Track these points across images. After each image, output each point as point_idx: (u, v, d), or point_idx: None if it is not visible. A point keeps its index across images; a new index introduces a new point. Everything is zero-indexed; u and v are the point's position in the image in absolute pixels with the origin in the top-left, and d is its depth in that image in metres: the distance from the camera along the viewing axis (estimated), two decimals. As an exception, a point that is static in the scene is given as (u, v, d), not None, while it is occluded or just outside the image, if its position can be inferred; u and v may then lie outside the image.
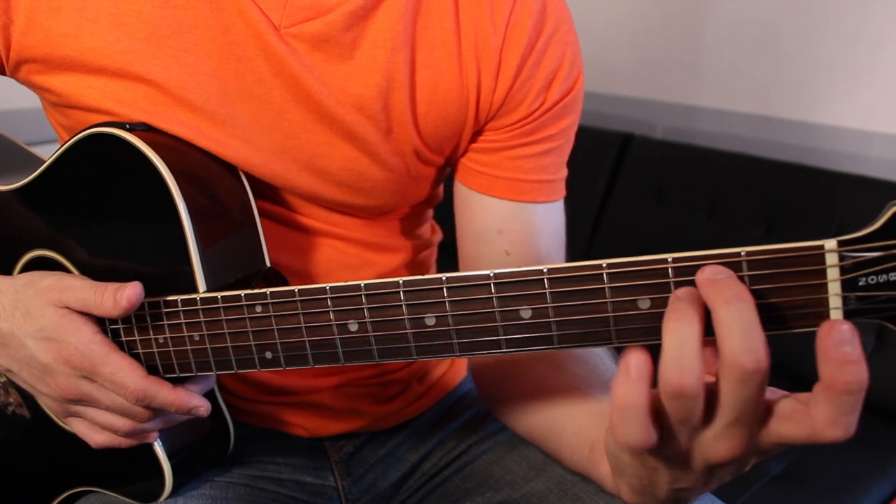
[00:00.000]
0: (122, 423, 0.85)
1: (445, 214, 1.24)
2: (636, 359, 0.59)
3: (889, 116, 2.32)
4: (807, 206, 2.27)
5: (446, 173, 1.10)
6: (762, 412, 0.60)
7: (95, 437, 0.88)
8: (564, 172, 1.04)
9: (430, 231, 1.20)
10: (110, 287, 0.82)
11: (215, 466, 1.02)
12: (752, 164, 2.47)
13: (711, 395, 0.59)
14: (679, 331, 0.57)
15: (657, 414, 0.61)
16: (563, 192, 1.04)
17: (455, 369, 1.25)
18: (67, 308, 0.83)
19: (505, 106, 0.96)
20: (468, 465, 1.09)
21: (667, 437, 0.61)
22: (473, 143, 1.00)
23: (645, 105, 2.98)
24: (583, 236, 2.77)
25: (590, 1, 2.99)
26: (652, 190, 2.66)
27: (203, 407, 0.86)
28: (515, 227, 1.00)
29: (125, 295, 0.81)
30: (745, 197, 2.41)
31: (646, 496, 0.70)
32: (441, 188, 1.15)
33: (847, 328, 0.54)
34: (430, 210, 1.17)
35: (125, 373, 0.82)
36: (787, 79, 2.55)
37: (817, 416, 0.56)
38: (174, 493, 0.94)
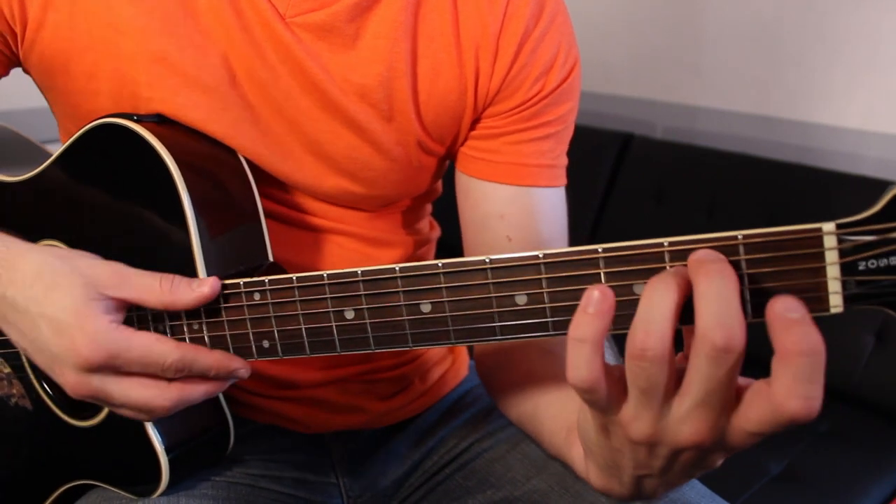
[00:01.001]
0: (142, 416, 0.83)
1: (445, 212, 1.23)
2: (594, 293, 0.59)
3: (888, 116, 2.32)
4: (806, 206, 2.27)
5: (446, 166, 1.10)
6: (732, 398, 0.58)
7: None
8: (565, 161, 1.04)
9: (429, 227, 1.20)
10: (178, 277, 0.80)
11: (216, 465, 1.02)
12: (752, 164, 2.48)
13: (683, 375, 0.58)
14: (652, 296, 0.57)
15: (623, 385, 0.60)
16: (564, 180, 1.04)
17: (457, 367, 1.24)
18: (100, 294, 0.80)
19: (502, 92, 0.97)
20: (469, 463, 1.09)
21: (629, 412, 0.61)
22: (473, 130, 1.01)
23: (645, 105, 2.98)
24: (583, 236, 2.76)
25: (591, 1, 2.99)
26: (652, 190, 2.66)
27: (244, 368, 0.83)
28: (516, 211, 1.00)
29: (208, 282, 0.79)
30: (745, 197, 2.41)
31: (611, 480, 0.70)
32: (440, 183, 1.16)
33: (793, 299, 0.54)
34: (429, 205, 1.18)
35: (156, 348, 0.78)
36: (787, 79, 2.55)
37: (776, 389, 0.55)
38: (175, 491, 0.94)
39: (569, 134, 1.04)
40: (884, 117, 2.33)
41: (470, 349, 1.23)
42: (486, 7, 0.95)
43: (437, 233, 1.22)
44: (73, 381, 0.79)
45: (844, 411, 2.09)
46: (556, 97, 0.99)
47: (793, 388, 0.54)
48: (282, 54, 0.90)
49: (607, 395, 0.60)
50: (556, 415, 0.86)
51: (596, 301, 0.59)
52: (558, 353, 0.96)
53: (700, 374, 0.56)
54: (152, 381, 0.80)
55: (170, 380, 0.81)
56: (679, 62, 2.84)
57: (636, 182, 2.73)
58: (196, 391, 0.82)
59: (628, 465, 0.65)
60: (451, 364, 1.24)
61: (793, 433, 2.01)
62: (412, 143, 0.98)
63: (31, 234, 0.95)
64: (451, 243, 1.05)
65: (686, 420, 0.59)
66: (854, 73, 2.38)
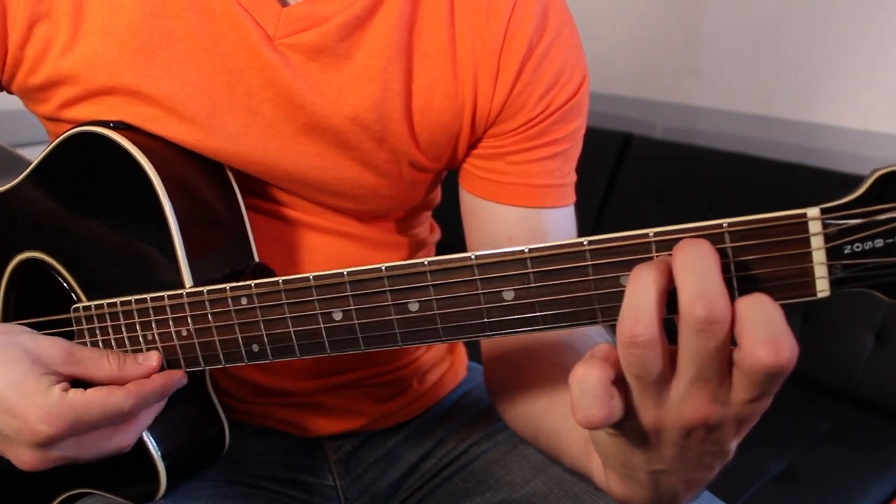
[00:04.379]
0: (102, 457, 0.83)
1: (445, 214, 1.23)
2: (600, 348, 0.61)
3: (889, 116, 2.32)
4: (807, 207, 2.26)
5: (443, 177, 1.09)
6: (727, 370, 0.58)
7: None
8: (573, 177, 1.02)
9: (429, 230, 1.19)
10: (126, 354, 0.83)
11: (213, 466, 1.02)
12: (752, 164, 2.48)
13: (675, 356, 0.58)
14: (636, 282, 0.57)
15: (620, 383, 0.60)
16: (573, 198, 1.02)
17: (455, 370, 1.24)
18: (49, 370, 0.78)
19: (504, 111, 0.95)
20: (468, 465, 1.08)
21: (631, 404, 0.61)
22: (475, 149, 0.99)
23: (645, 105, 2.98)
24: (583, 236, 2.76)
25: (590, 1, 2.99)
26: (652, 190, 2.66)
27: (184, 377, 0.85)
28: (525, 234, 0.98)
29: (154, 355, 0.83)
30: (745, 197, 2.41)
31: (630, 483, 0.69)
32: (439, 191, 1.15)
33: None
34: (427, 212, 1.17)
35: (110, 401, 0.78)
36: (787, 79, 2.55)
37: (743, 344, 0.55)
38: (171, 492, 0.94)
39: (577, 151, 1.02)
40: (884, 117, 2.32)
41: (473, 355, 1.23)
42: (486, 24, 0.92)
43: (436, 236, 1.21)
44: (30, 459, 0.78)
45: (844, 411, 2.09)
46: (562, 115, 0.96)
47: (754, 335, 0.54)
48: (267, 79, 0.89)
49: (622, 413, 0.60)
50: (573, 427, 0.84)
51: (600, 349, 0.61)
52: (569, 366, 0.95)
53: (690, 349, 0.56)
54: (110, 429, 0.81)
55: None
56: (679, 62, 2.84)
57: (636, 182, 2.73)
58: (149, 417, 0.84)
59: (641, 460, 0.65)
60: (450, 366, 1.23)
61: (793, 433, 2.00)
62: (404, 162, 0.96)
63: (11, 247, 0.95)
64: (452, 246, 1.03)
65: (685, 398, 0.59)
66: (854, 73, 2.37)
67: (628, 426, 0.62)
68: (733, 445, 0.64)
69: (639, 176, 2.73)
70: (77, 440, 0.79)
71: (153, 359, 0.82)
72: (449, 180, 1.09)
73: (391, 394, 1.15)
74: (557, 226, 1.00)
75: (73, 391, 0.77)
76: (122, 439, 0.81)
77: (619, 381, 0.60)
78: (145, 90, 0.88)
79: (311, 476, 1.12)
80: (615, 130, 2.86)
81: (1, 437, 0.78)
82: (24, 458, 0.78)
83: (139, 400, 0.80)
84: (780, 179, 2.36)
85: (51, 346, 0.80)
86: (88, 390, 0.78)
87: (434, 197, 1.15)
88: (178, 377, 0.84)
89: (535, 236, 0.98)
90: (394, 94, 0.91)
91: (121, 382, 0.81)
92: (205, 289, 0.80)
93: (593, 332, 0.97)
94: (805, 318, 2.18)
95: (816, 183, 2.28)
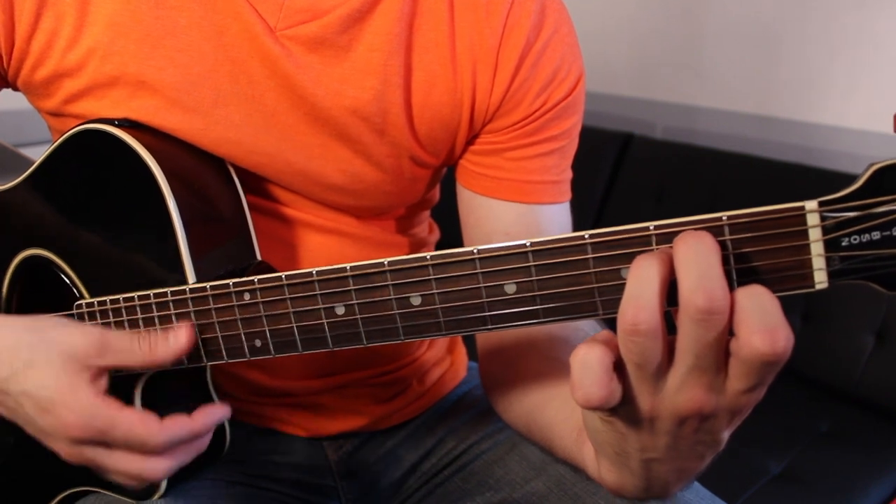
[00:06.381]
0: (135, 483, 0.83)
1: (445, 214, 1.23)
2: (601, 334, 0.61)
3: (888, 116, 2.31)
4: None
5: (442, 174, 1.09)
6: (723, 360, 0.58)
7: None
8: (569, 174, 1.03)
9: (428, 230, 1.19)
10: (154, 334, 0.81)
11: (214, 465, 1.01)
12: (752, 163, 2.48)
13: (673, 346, 0.59)
14: (638, 272, 0.57)
15: (619, 370, 0.60)
16: (569, 195, 1.03)
17: (455, 369, 1.24)
18: (82, 365, 0.79)
19: (503, 107, 0.96)
20: (468, 464, 1.09)
21: (628, 391, 0.61)
22: (472, 145, 1.00)
23: (645, 105, 2.98)
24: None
25: (590, 1, 2.99)
26: (652, 190, 2.66)
27: (224, 410, 0.85)
28: (522, 230, 0.99)
29: (183, 331, 0.80)
30: (744, 197, 2.39)
31: (622, 471, 0.69)
32: (437, 190, 1.15)
33: None
34: (426, 211, 1.17)
35: (138, 430, 0.77)
36: (787, 79, 2.55)
37: (739, 333, 0.55)
38: (172, 491, 0.94)
39: (573, 147, 1.03)
40: (884, 117, 2.32)
41: (473, 355, 1.23)
42: (485, 20, 0.93)
43: (436, 236, 1.21)
44: (66, 451, 0.80)
45: (844, 411, 2.09)
46: (559, 111, 0.97)
47: (752, 325, 0.55)
48: (269, 69, 0.89)
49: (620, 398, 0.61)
50: (566, 417, 0.85)
51: (602, 334, 0.61)
52: (564, 360, 0.95)
53: (688, 339, 0.57)
54: (139, 455, 0.80)
55: None
56: (679, 62, 2.84)
57: (636, 182, 2.73)
58: (188, 454, 0.83)
59: (634, 448, 0.65)
60: (450, 365, 1.24)
61: (793, 433, 2.00)
62: (405, 156, 0.97)
63: (15, 243, 0.95)
64: (451, 245, 1.04)
65: (682, 387, 0.59)
66: (854, 73, 2.37)
67: (623, 413, 0.62)
68: (725, 436, 0.64)
69: (639, 176, 2.74)
70: (105, 450, 0.79)
71: (183, 339, 0.80)
72: (447, 180, 1.10)
73: (392, 394, 1.15)
74: (554, 222, 1.01)
75: (108, 400, 0.78)
76: (150, 469, 0.80)
77: (618, 368, 0.60)
78: (149, 80, 0.88)
79: (311, 476, 1.12)
80: (615, 130, 2.86)
81: (42, 431, 0.80)
82: (63, 450, 0.80)
83: (169, 439, 0.79)
84: (779, 179, 2.37)
85: (83, 338, 0.80)
86: (124, 410, 0.78)
87: (432, 196, 1.15)
88: (220, 414, 0.84)
89: (531, 232, 0.99)
90: (393, 87, 0.92)
91: (155, 365, 0.81)
92: (208, 284, 0.80)
93: (587, 328, 0.97)
94: (805, 318, 2.18)
95: (816, 183, 2.27)
